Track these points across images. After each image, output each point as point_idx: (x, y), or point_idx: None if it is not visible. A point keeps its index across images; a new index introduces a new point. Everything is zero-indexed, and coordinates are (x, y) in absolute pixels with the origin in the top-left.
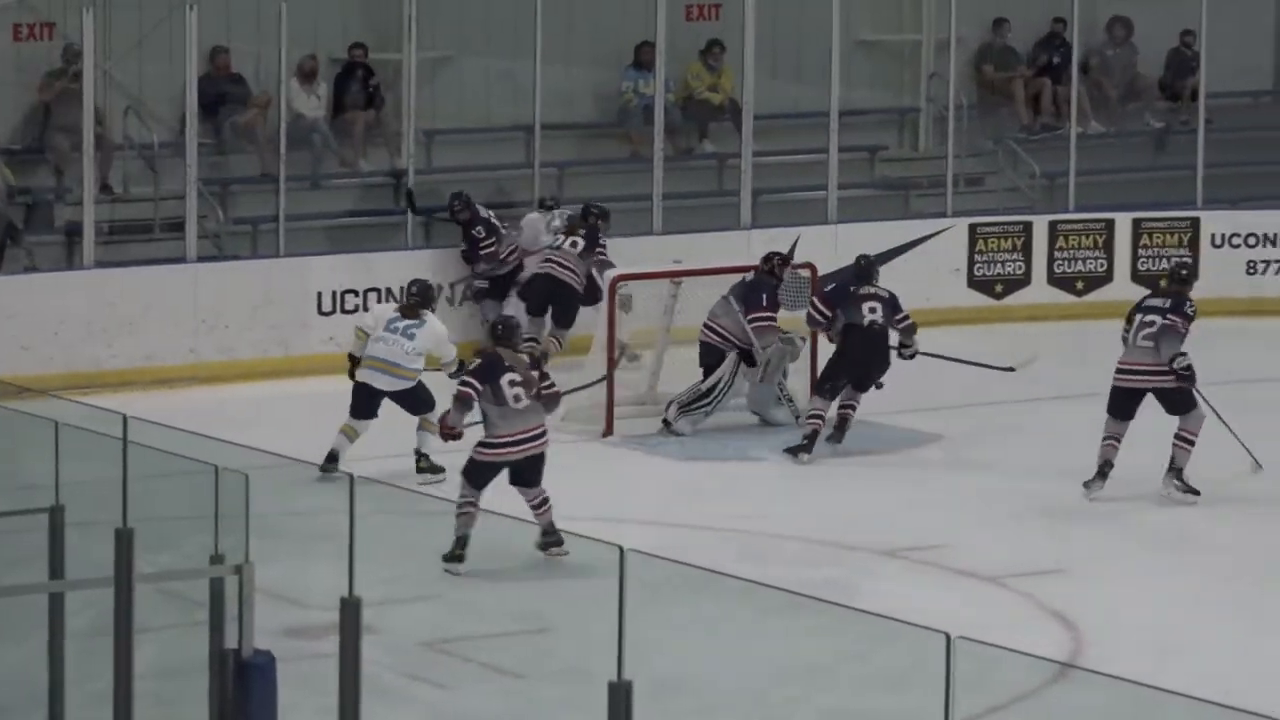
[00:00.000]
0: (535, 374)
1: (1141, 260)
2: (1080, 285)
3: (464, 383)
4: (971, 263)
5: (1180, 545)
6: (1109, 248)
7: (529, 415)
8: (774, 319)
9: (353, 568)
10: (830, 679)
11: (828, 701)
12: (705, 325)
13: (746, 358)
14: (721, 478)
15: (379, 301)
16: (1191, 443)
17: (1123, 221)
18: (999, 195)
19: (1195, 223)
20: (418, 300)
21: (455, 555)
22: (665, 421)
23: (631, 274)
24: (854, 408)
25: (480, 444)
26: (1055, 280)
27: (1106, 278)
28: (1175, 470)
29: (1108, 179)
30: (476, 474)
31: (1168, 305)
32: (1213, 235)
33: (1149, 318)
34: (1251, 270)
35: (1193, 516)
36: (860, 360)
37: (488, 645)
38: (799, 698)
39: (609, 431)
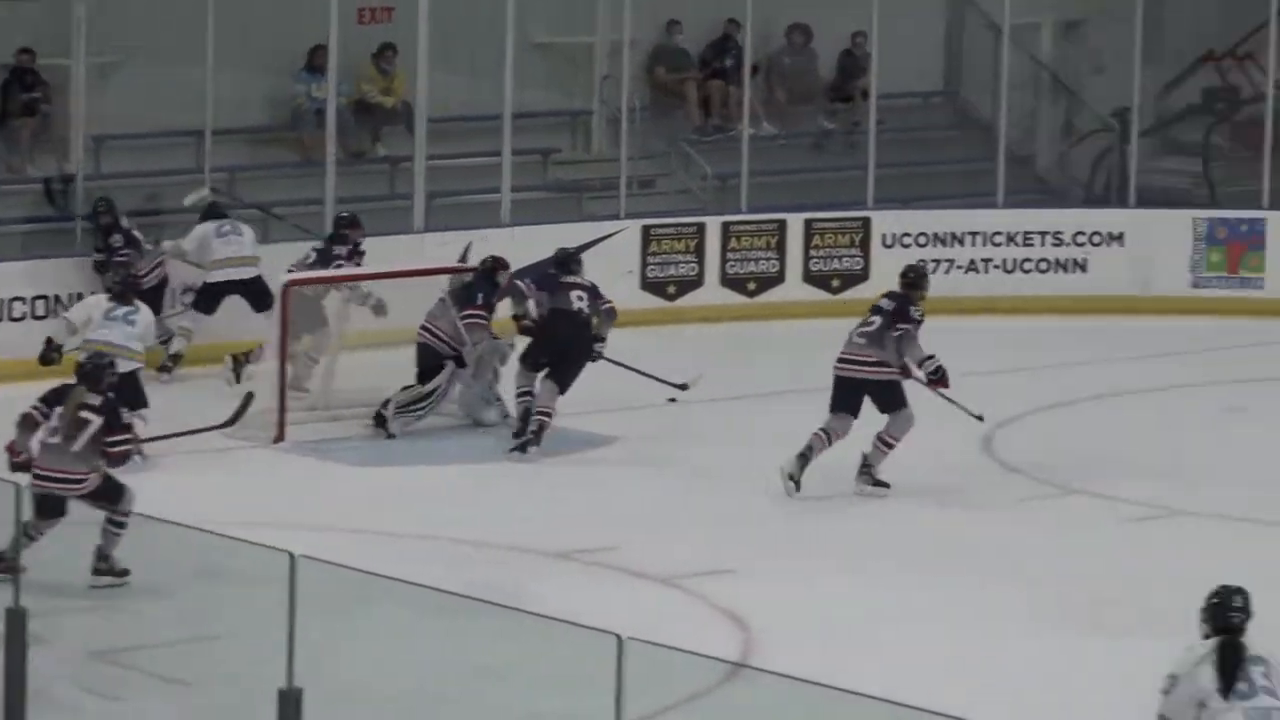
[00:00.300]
0: (94, 423)
1: (813, 260)
2: (752, 286)
3: (34, 405)
4: (645, 264)
5: (853, 542)
6: (781, 248)
7: (64, 457)
8: (486, 317)
9: (18, 577)
10: (503, 682)
11: (501, 704)
12: (422, 327)
13: (461, 362)
14: (396, 482)
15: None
16: (891, 446)
17: (794, 222)
18: (671, 197)
19: (866, 223)
20: (122, 288)
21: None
22: (380, 418)
23: (303, 278)
24: (549, 414)
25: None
26: (728, 281)
27: (779, 278)
28: (866, 469)
29: (780, 180)
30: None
31: (892, 308)
32: (884, 235)
33: (873, 316)
34: None
35: (867, 515)
36: (563, 340)
37: (158, 655)
38: (472, 701)
39: (281, 437)
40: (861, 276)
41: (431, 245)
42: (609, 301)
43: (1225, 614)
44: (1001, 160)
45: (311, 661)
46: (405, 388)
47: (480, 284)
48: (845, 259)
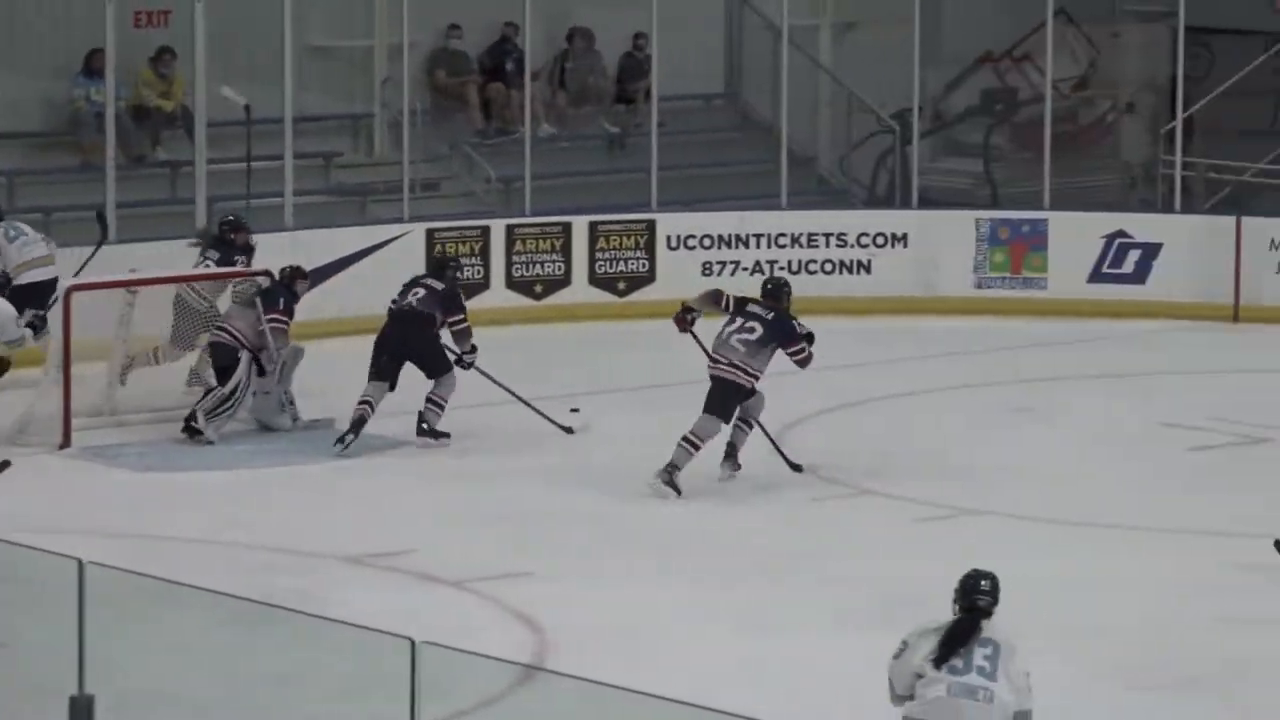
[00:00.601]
0: None
1: (599, 263)
2: (539, 289)
3: None
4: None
5: (647, 544)
6: (567, 251)
7: None
8: (287, 322)
9: None
10: (297, 687)
11: (295, 710)
12: (217, 326)
13: (260, 362)
14: (185, 487)
15: None
16: (751, 427)
17: (579, 224)
18: (455, 200)
19: (651, 225)
20: None
21: None
22: (192, 429)
23: (86, 284)
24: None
25: None
26: (514, 284)
27: (565, 281)
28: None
29: (564, 182)
30: None
31: (771, 318)
32: (668, 237)
33: (750, 323)
34: (707, 271)
35: (661, 516)
36: (396, 338)
37: None
38: (266, 706)
39: (66, 443)
40: (647, 279)
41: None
42: (462, 319)
43: (970, 594)
44: (784, 162)
45: (103, 668)
46: (207, 392)
47: (280, 291)
48: (631, 261)
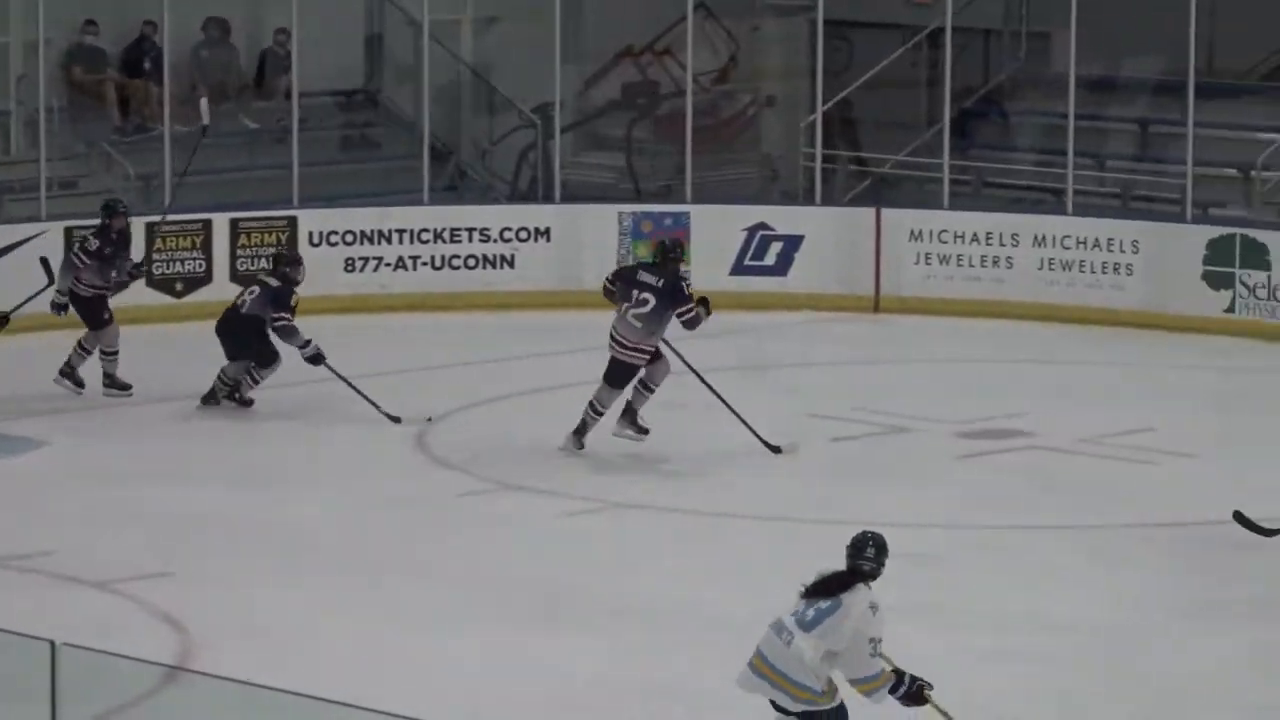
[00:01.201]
0: None
1: (240, 260)
2: (180, 286)
3: None
4: None
5: (289, 544)
6: (207, 248)
7: None
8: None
9: None
10: None
11: None
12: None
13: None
14: None
15: None
16: (652, 391)
17: (220, 222)
18: (94, 199)
19: (293, 221)
20: None
21: None
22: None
23: None
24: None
25: None
26: (154, 282)
27: (206, 278)
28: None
29: (204, 179)
30: None
31: (661, 285)
32: (310, 233)
33: (644, 294)
34: (350, 268)
35: (302, 516)
36: (222, 334)
37: None
38: None
39: None
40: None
41: None
42: (283, 317)
43: (853, 554)
44: (426, 157)
45: None
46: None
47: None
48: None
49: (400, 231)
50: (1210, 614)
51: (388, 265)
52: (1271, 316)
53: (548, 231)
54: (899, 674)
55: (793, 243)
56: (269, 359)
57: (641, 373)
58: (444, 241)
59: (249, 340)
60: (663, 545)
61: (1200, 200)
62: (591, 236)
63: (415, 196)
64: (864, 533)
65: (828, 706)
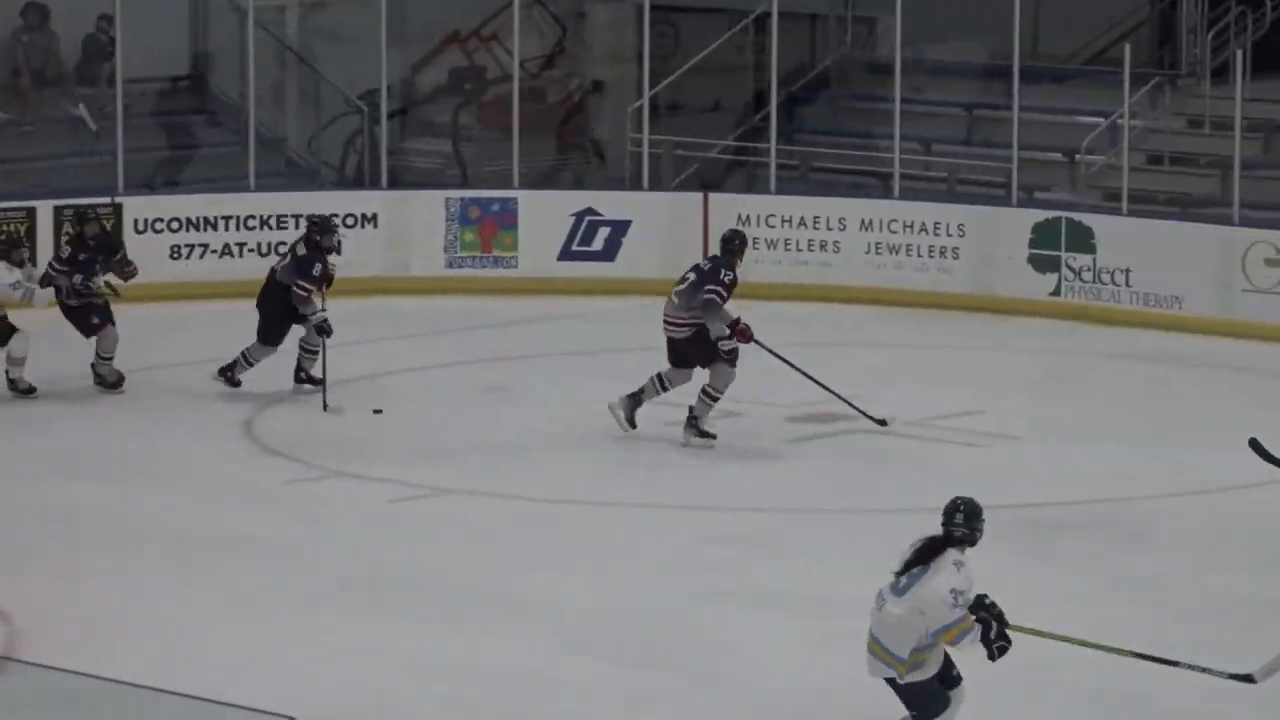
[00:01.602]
0: None
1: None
2: None
3: None
4: None
5: (120, 533)
6: (32, 236)
7: None
8: (309, 291)
9: None
10: None
11: None
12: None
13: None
14: None
15: None
16: (715, 399)
17: (44, 209)
18: None
19: (119, 209)
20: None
21: None
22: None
23: None
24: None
25: None
26: None
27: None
28: (693, 421)
29: (28, 167)
30: None
31: (707, 267)
32: (136, 221)
33: (689, 274)
34: (176, 255)
35: (141, 504)
36: (261, 305)
37: None
38: None
39: None
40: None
41: None
42: (303, 288)
43: (944, 523)
44: (252, 144)
45: None
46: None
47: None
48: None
49: (227, 218)
50: (1043, 596)
51: (214, 252)
52: (1096, 299)
53: (375, 218)
54: (984, 621)
55: (620, 228)
56: (269, 339)
57: (705, 376)
58: (270, 228)
59: (285, 314)
60: (487, 532)
61: (1025, 184)
62: (419, 222)
63: (242, 183)
64: (954, 499)
65: (909, 679)
